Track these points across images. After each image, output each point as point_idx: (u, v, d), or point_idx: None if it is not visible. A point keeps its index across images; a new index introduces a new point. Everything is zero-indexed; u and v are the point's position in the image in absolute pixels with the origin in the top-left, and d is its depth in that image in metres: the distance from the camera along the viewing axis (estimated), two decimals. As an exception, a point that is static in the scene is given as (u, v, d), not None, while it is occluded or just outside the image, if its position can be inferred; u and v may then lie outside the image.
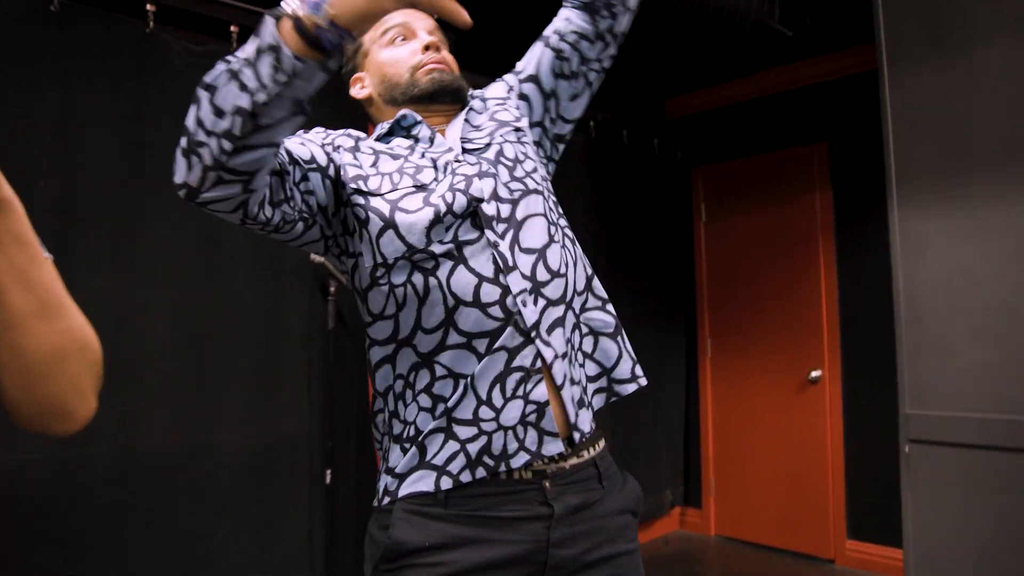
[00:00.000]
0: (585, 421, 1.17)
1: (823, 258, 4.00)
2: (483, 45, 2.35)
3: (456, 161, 1.20)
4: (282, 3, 0.87)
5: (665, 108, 4.72)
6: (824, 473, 3.91)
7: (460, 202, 1.13)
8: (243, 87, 0.88)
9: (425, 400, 1.13)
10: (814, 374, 3.97)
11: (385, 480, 1.17)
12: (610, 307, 1.28)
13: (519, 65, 1.39)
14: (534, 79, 1.35)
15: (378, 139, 1.27)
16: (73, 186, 2.26)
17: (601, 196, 4.11)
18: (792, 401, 4.09)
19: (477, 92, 1.38)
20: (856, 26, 3.73)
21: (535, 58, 1.36)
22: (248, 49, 0.89)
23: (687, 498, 4.57)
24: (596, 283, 1.29)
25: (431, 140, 1.24)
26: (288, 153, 1.09)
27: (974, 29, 2.49)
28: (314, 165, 1.13)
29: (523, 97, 1.36)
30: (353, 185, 1.16)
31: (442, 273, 1.11)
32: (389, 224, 1.12)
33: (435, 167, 1.19)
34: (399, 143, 1.25)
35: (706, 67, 4.39)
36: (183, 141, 0.94)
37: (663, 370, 4.38)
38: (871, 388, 3.76)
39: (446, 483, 1.10)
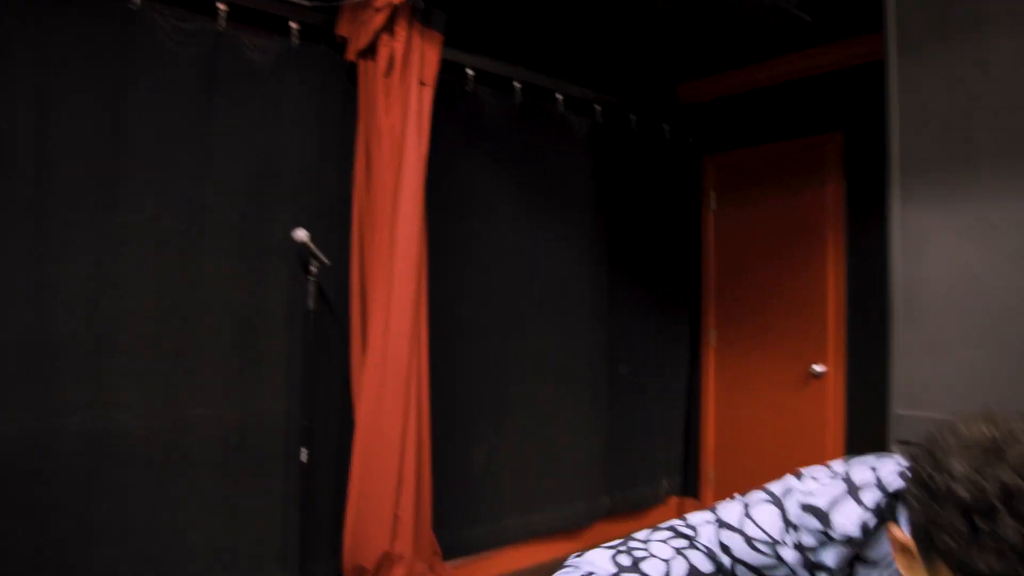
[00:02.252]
0: None
1: (832, 251, 3.91)
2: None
3: None
4: None
5: (679, 93, 4.62)
6: (823, 470, 3.83)
7: None
8: None
9: None
10: (817, 368, 3.89)
11: None
12: None
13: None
14: None
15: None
16: (52, 166, 2.26)
17: (606, 181, 4.04)
18: (795, 395, 4.03)
19: None
20: (875, 11, 3.59)
21: None
22: None
23: (685, 488, 4.53)
24: None
25: None
26: None
27: (987, 20, 2.38)
28: None
29: None
30: None
31: None
32: None
33: None
34: None
35: (722, 52, 4.28)
36: None
37: (666, 358, 4.32)
38: (874, 386, 3.67)
39: None
